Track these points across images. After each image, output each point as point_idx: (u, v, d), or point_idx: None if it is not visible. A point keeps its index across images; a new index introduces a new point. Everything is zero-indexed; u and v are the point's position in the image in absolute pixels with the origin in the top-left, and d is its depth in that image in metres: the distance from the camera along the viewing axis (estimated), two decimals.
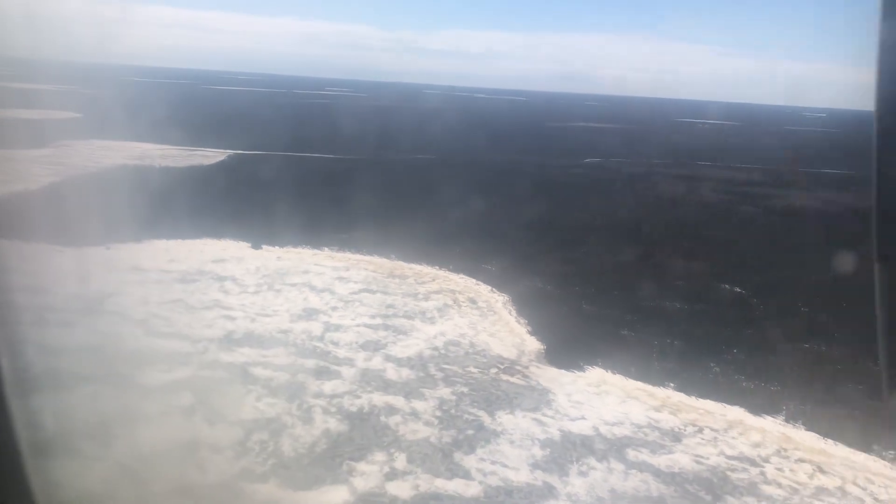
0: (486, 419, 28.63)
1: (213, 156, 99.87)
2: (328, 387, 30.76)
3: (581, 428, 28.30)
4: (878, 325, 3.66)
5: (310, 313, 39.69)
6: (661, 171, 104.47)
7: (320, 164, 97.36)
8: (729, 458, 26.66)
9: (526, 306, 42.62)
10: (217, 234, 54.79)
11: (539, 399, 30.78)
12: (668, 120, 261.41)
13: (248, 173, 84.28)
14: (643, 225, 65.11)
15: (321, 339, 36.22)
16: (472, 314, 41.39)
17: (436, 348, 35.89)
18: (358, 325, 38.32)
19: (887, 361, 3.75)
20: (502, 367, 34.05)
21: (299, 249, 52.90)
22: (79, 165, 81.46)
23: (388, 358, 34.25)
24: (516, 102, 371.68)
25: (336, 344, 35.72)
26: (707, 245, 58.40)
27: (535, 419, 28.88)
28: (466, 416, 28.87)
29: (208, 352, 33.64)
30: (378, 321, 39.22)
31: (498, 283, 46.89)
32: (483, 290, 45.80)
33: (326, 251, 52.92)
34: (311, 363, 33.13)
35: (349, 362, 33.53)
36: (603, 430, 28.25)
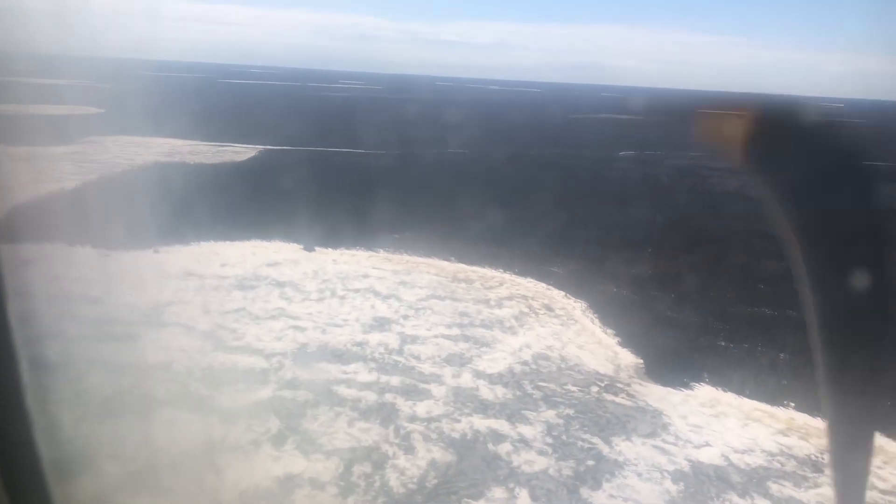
0: (603, 447, 26.00)
1: (243, 151, 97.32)
2: (421, 408, 28.22)
3: (710, 457, 25.62)
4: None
5: (381, 323, 37.15)
6: (704, 164, 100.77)
7: (353, 160, 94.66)
8: (884, 492, 23.90)
9: (607, 314, 39.86)
10: (265, 235, 52.34)
11: (653, 423, 28.10)
12: (689, 111, 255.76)
13: (283, 170, 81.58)
14: (707, 222, 62.07)
15: (400, 352, 33.65)
16: (553, 323, 38.71)
17: (525, 363, 33.25)
18: (435, 336, 35.73)
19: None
20: (602, 384, 31.37)
21: (353, 251, 50.35)
22: (110, 163, 79.11)
23: (477, 374, 31.64)
24: (531, 94, 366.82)
25: (417, 358, 33.15)
26: (779, 244, 55.14)
27: (655, 446, 26.23)
28: (580, 443, 26.25)
29: (284, 368, 31.16)
30: (455, 331, 36.62)
31: (570, 288, 44.14)
32: (556, 296, 43.09)
33: (382, 253, 50.35)
34: (396, 381, 30.58)
35: (437, 379, 30.96)
36: (734, 458, 25.57)
